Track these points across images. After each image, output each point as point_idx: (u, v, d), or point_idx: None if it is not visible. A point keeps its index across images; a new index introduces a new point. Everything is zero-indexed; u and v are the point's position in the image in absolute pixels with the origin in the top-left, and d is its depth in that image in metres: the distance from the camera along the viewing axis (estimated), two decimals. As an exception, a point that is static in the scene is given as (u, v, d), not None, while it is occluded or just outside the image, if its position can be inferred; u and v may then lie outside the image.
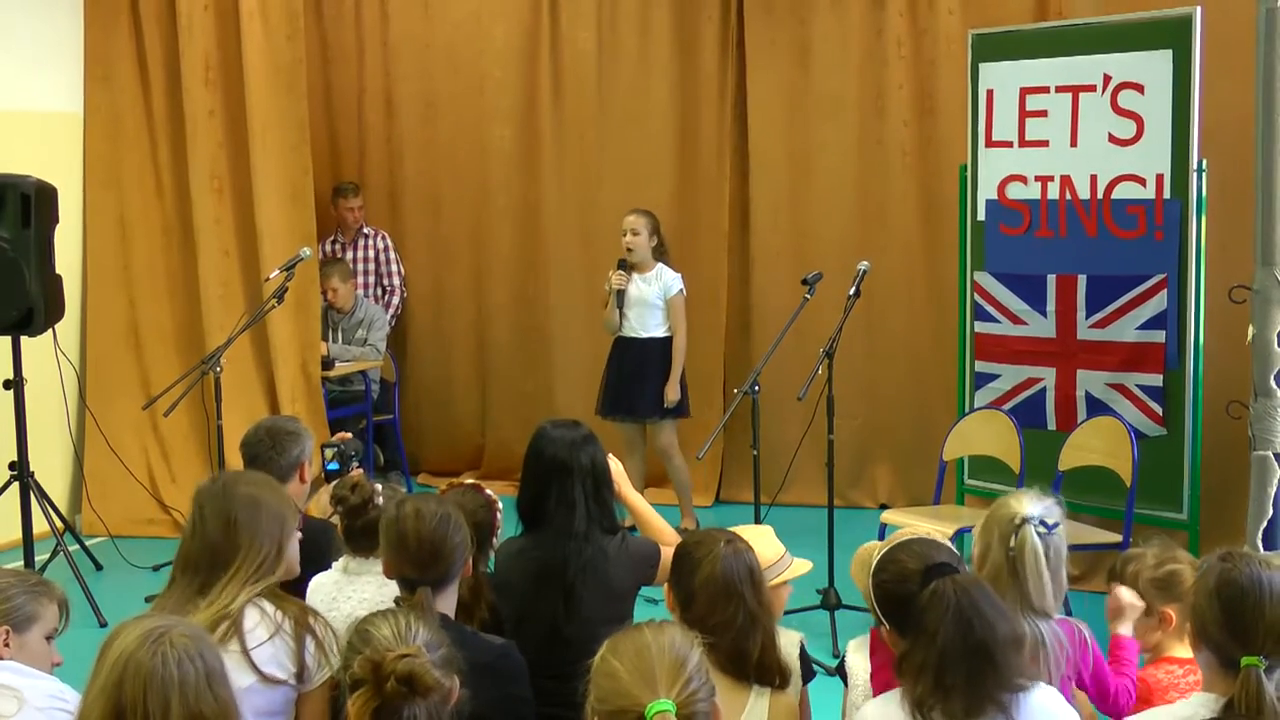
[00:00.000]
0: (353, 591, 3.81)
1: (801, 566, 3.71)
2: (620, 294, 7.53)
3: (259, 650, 3.22)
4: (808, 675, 3.40)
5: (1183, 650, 3.36)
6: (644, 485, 7.69)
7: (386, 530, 3.39)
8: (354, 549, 3.88)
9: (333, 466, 4.71)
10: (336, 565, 3.91)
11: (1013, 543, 3.23)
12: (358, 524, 3.87)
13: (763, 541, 3.60)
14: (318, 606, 3.57)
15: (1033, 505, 3.29)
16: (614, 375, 7.65)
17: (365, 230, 9.08)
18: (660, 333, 7.56)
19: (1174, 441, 6.23)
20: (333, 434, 6.18)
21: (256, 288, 7.94)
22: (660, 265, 7.59)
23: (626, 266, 7.53)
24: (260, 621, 3.26)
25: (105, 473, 7.82)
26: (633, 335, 7.57)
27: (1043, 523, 3.25)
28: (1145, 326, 6.28)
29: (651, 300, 7.53)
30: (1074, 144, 6.45)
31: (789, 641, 3.37)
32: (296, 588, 3.63)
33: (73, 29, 8.09)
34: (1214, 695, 2.79)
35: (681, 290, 7.57)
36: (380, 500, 3.86)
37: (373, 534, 3.79)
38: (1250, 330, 5.06)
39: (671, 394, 7.49)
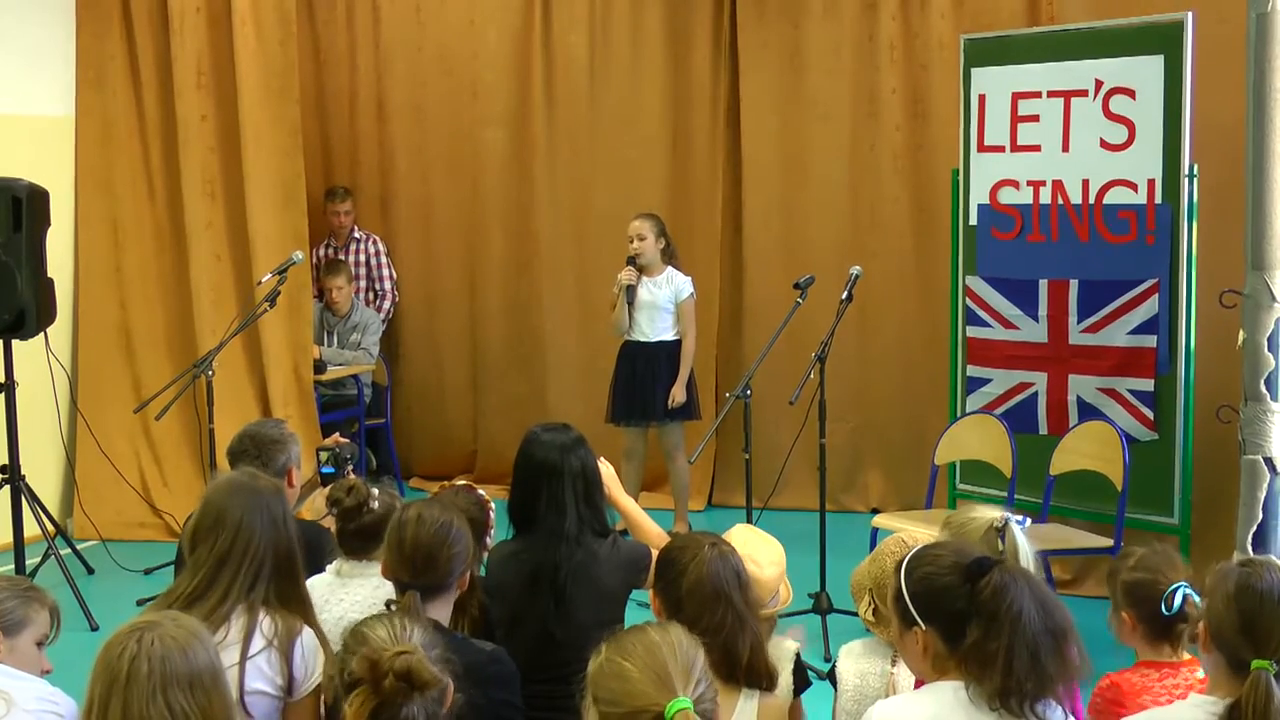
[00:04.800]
0: (345, 594, 3.81)
1: (785, 600, 3.72)
2: (630, 291, 7.53)
3: (248, 664, 3.21)
4: (802, 685, 3.39)
5: (1157, 655, 3.36)
6: (639, 491, 7.69)
7: (389, 531, 3.40)
8: (348, 551, 3.88)
9: (328, 470, 4.70)
10: (330, 568, 3.91)
11: (1002, 546, 3.21)
12: (351, 526, 3.86)
13: (768, 567, 3.59)
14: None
15: (992, 510, 3.26)
16: (624, 380, 7.65)
17: (357, 234, 9.08)
18: (669, 336, 7.57)
19: (1165, 446, 6.23)
20: (325, 437, 6.17)
21: (248, 291, 7.93)
22: (670, 269, 7.59)
23: (636, 265, 7.54)
24: (251, 635, 3.25)
25: (97, 476, 7.81)
26: (642, 339, 7.58)
27: (1015, 520, 3.23)
28: (1136, 331, 6.28)
29: (662, 304, 7.54)
30: (1066, 149, 6.46)
31: (784, 653, 3.37)
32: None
33: (65, 33, 8.09)
34: (1216, 698, 2.80)
35: (692, 294, 7.59)
36: (375, 504, 3.85)
37: (367, 536, 3.81)
38: (1241, 335, 5.06)
39: (679, 395, 7.50)
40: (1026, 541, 3.15)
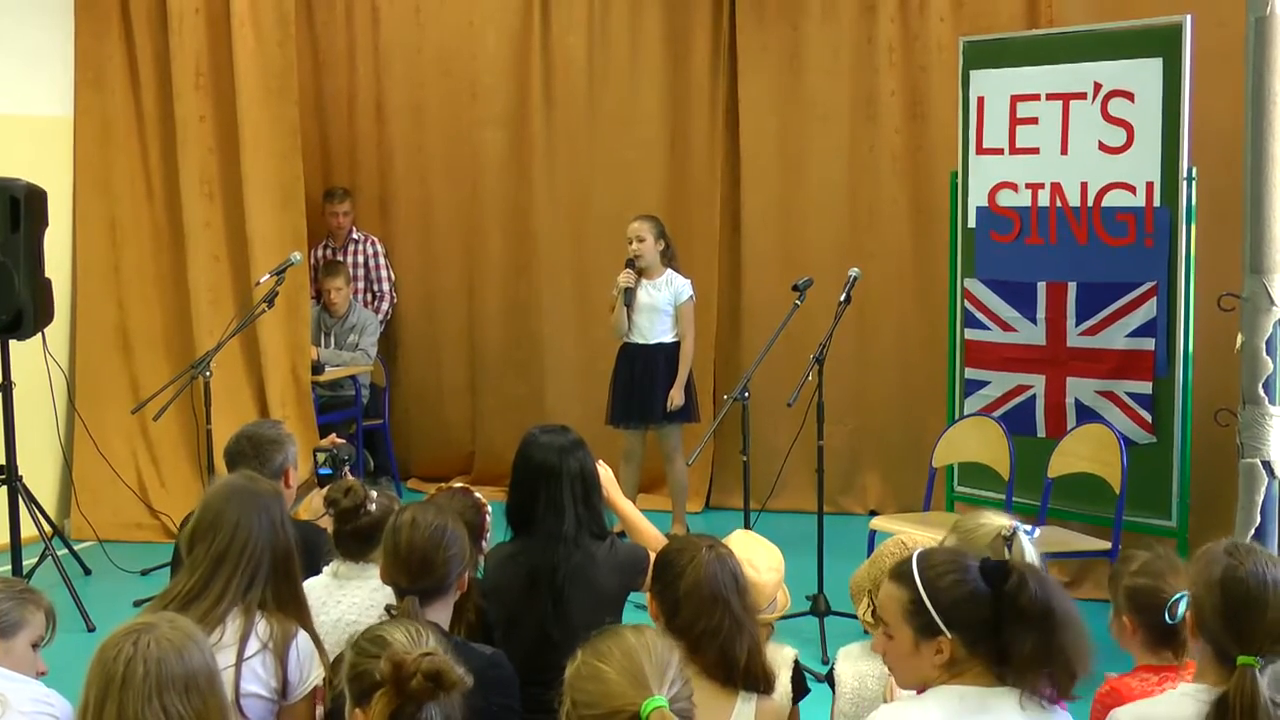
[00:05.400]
0: (342, 596, 3.81)
1: (783, 606, 3.72)
2: (629, 294, 7.53)
3: (243, 666, 3.21)
4: (800, 693, 3.38)
5: (1156, 659, 3.35)
6: (637, 494, 7.69)
7: (384, 537, 3.40)
8: (345, 553, 3.87)
9: (325, 471, 4.69)
10: (327, 570, 3.91)
11: (1009, 555, 3.19)
12: (348, 528, 3.85)
13: (766, 572, 3.58)
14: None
15: (1000, 517, 3.25)
16: (623, 382, 7.64)
17: (355, 235, 9.07)
18: (668, 338, 7.57)
19: (1163, 449, 6.23)
20: (322, 438, 6.16)
21: (246, 292, 7.93)
22: (670, 271, 7.58)
23: (636, 267, 7.54)
24: (247, 637, 3.25)
25: (94, 477, 7.80)
26: (641, 341, 7.57)
27: (1024, 530, 3.20)
28: (1135, 334, 6.28)
29: (661, 306, 7.53)
30: (1064, 152, 6.45)
31: (783, 658, 3.36)
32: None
33: (63, 33, 8.08)
34: (1204, 686, 2.79)
35: (691, 296, 7.58)
36: (373, 506, 3.85)
37: (364, 539, 3.80)
38: (1239, 338, 5.05)
39: (676, 398, 7.49)
40: (1034, 550, 3.14)
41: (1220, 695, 2.71)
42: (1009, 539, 3.13)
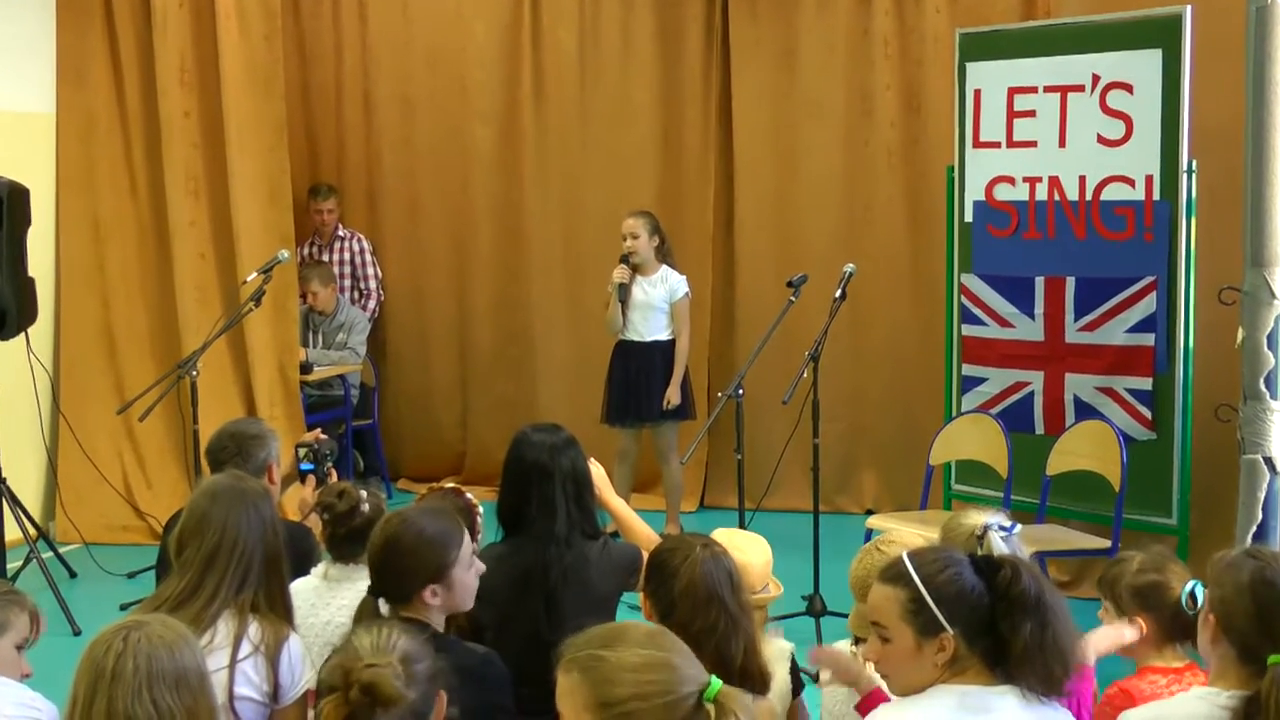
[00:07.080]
0: (332, 598, 3.79)
1: (775, 592, 3.71)
2: (623, 289, 7.46)
3: (235, 668, 3.18)
4: (798, 688, 3.39)
5: (1162, 660, 3.35)
6: (630, 493, 7.63)
7: (370, 542, 3.39)
8: (336, 556, 3.87)
9: (307, 466, 4.65)
10: (316, 571, 3.90)
11: (979, 553, 3.16)
12: (342, 531, 3.85)
13: (753, 555, 3.54)
14: (296, 613, 3.53)
15: (985, 515, 3.26)
16: (619, 381, 7.59)
17: (341, 233, 9.00)
18: (664, 335, 7.52)
19: (1163, 445, 6.19)
20: (307, 435, 6.11)
21: (233, 291, 7.86)
22: (665, 268, 7.53)
23: (630, 263, 7.47)
24: (240, 639, 3.22)
25: (79, 479, 7.75)
26: (636, 339, 7.52)
27: (1000, 527, 3.21)
28: (1134, 329, 6.24)
29: (657, 303, 7.48)
30: (1062, 145, 6.41)
31: (779, 651, 3.35)
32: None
33: (45, 28, 7.99)
34: (1219, 690, 2.79)
35: (687, 293, 7.54)
36: (365, 508, 3.84)
37: (356, 541, 3.78)
38: (1240, 333, 5.03)
39: (673, 396, 7.45)
40: (1008, 548, 3.14)
41: (1251, 695, 2.71)
42: (980, 537, 3.15)
